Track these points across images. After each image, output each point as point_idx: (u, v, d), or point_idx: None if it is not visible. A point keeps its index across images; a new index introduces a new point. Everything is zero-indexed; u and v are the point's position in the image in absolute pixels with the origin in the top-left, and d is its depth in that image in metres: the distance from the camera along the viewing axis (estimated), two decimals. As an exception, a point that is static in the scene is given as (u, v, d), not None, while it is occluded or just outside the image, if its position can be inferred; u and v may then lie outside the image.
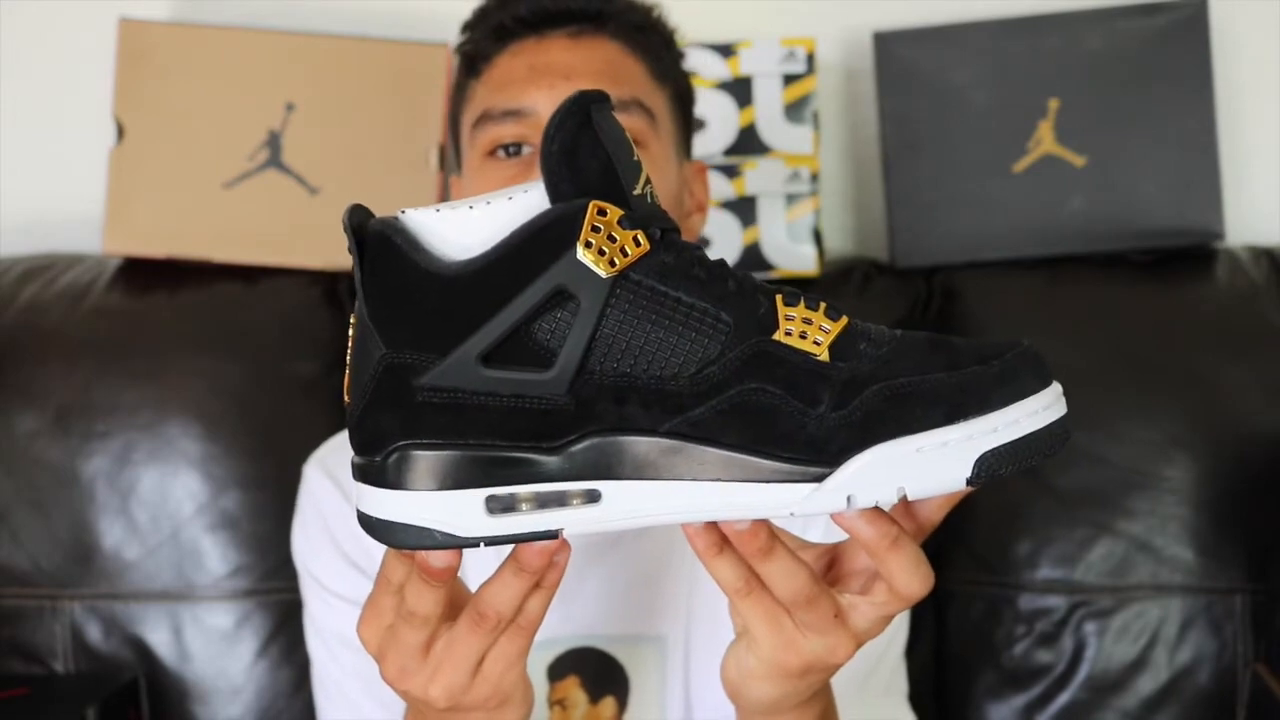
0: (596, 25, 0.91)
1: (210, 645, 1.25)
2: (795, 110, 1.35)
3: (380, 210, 0.61)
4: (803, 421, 0.56)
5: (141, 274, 1.34)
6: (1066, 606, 1.23)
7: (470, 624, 0.61)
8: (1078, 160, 1.34)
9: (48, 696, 1.19)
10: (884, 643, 0.95)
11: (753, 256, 1.34)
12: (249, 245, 1.34)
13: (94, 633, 1.25)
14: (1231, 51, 1.40)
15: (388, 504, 0.57)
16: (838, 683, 0.83)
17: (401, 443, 0.56)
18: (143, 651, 1.25)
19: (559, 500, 0.56)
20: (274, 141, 1.34)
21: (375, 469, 0.57)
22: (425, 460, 0.56)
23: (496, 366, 0.56)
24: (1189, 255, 1.33)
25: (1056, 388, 0.58)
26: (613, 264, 0.55)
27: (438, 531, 0.56)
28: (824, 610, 0.59)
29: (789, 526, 0.60)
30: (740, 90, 1.34)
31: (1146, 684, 1.22)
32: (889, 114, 1.35)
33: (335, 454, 1.00)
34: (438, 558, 0.57)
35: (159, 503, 1.25)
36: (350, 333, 0.59)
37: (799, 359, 0.57)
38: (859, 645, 0.61)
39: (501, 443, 0.56)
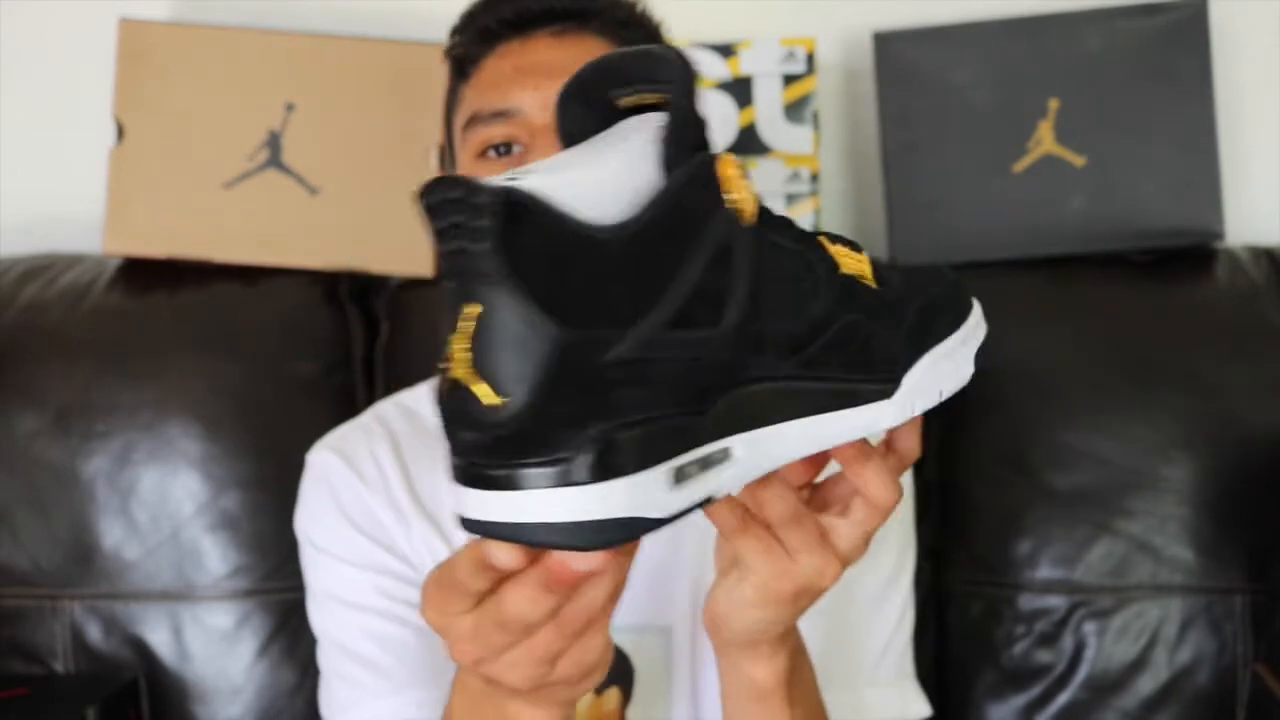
0: (580, 23, 0.91)
1: (210, 645, 1.25)
2: (795, 110, 1.35)
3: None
4: (887, 343, 0.60)
5: (141, 274, 1.34)
6: (1066, 606, 1.23)
7: (501, 632, 0.56)
8: (1078, 160, 1.34)
9: (48, 696, 1.19)
10: (891, 628, 0.97)
11: (753, 256, 1.34)
12: (249, 245, 1.34)
13: (94, 633, 1.25)
14: (1231, 51, 1.40)
15: (588, 503, 0.49)
16: (852, 667, 0.87)
17: (600, 428, 0.49)
18: (143, 651, 1.25)
19: (710, 462, 0.53)
20: (274, 141, 1.34)
21: (565, 467, 0.49)
22: (628, 442, 0.50)
23: (681, 329, 0.52)
24: (1189, 255, 1.33)
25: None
26: (746, 216, 0.55)
27: (641, 518, 0.50)
28: (810, 529, 0.63)
29: None
30: (740, 90, 1.34)
31: (1146, 684, 1.22)
32: (889, 114, 1.35)
33: (340, 438, 1.00)
34: (587, 559, 0.51)
35: (159, 503, 1.25)
36: (469, 322, 0.49)
37: (864, 288, 0.60)
38: (845, 567, 0.65)
39: (677, 410, 0.52)
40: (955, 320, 0.66)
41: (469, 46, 0.93)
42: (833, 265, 0.59)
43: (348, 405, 1.30)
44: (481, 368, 0.48)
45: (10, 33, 1.46)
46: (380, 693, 0.90)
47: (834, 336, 0.58)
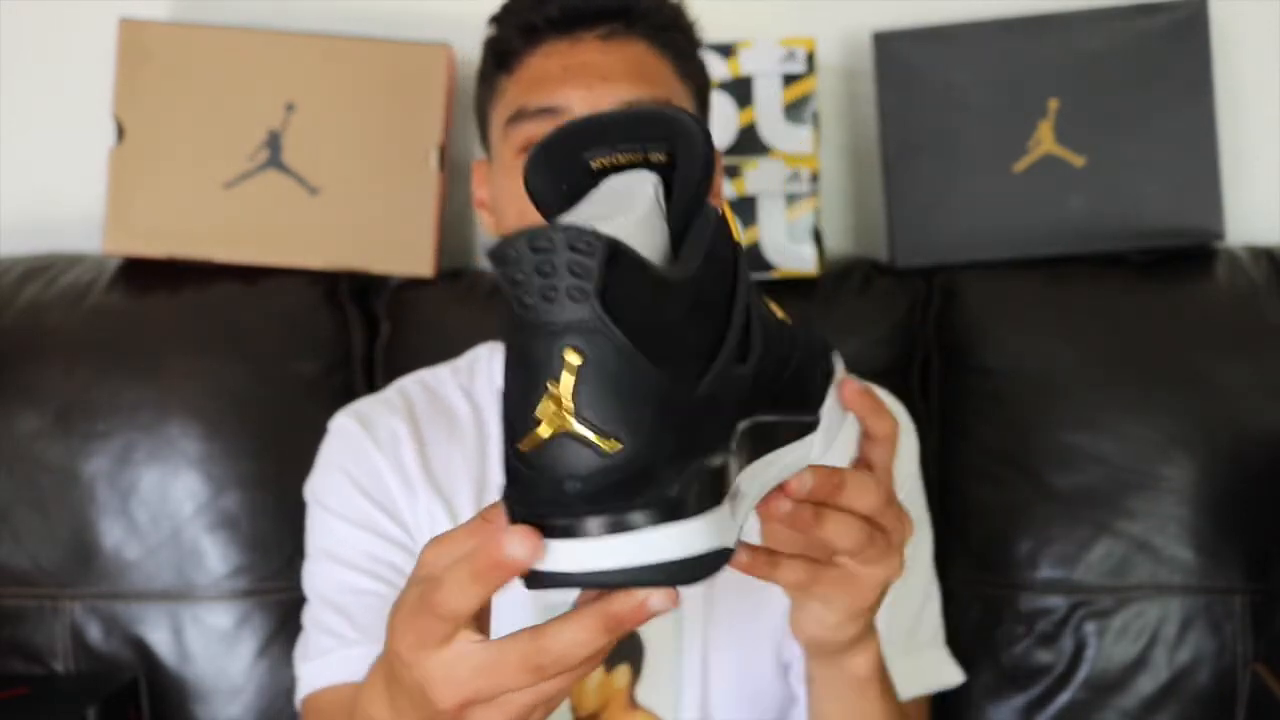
0: (626, 25, 0.93)
1: (210, 645, 1.25)
2: (795, 110, 1.35)
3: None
4: (814, 377, 0.65)
5: (141, 274, 1.34)
6: (1066, 606, 1.23)
7: (529, 673, 0.53)
8: (1078, 160, 1.34)
9: (48, 696, 1.19)
10: (920, 600, 1.01)
11: (753, 257, 1.34)
12: (249, 245, 1.34)
13: (94, 633, 1.25)
14: (1231, 51, 1.40)
15: (695, 537, 0.49)
16: (890, 638, 0.89)
17: (697, 463, 0.50)
18: (143, 651, 1.25)
19: (734, 494, 0.54)
20: (274, 141, 1.34)
21: (672, 503, 0.49)
22: (714, 475, 0.51)
23: (737, 365, 0.54)
24: (1189, 255, 1.33)
25: None
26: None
27: (729, 549, 0.51)
28: (879, 541, 0.63)
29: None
30: (740, 90, 1.34)
31: (1146, 684, 1.22)
32: (889, 114, 1.35)
33: (361, 406, 1.02)
34: (668, 597, 0.50)
35: (159, 503, 1.25)
36: (570, 374, 0.48)
37: (789, 328, 0.63)
38: (902, 553, 0.67)
39: (723, 443, 0.53)
40: (826, 350, 0.69)
41: (512, 39, 0.95)
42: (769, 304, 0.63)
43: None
44: (588, 416, 0.48)
45: (10, 33, 1.46)
46: (351, 643, 0.91)
47: (791, 374, 0.61)
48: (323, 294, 1.33)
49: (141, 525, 1.25)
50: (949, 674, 1.02)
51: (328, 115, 1.34)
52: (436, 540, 0.56)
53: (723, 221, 0.54)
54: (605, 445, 0.48)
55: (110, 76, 1.35)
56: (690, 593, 0.94)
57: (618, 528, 0.48)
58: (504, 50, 0.95)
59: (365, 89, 1.35)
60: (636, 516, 0.48)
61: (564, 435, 0.48)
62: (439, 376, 1.04)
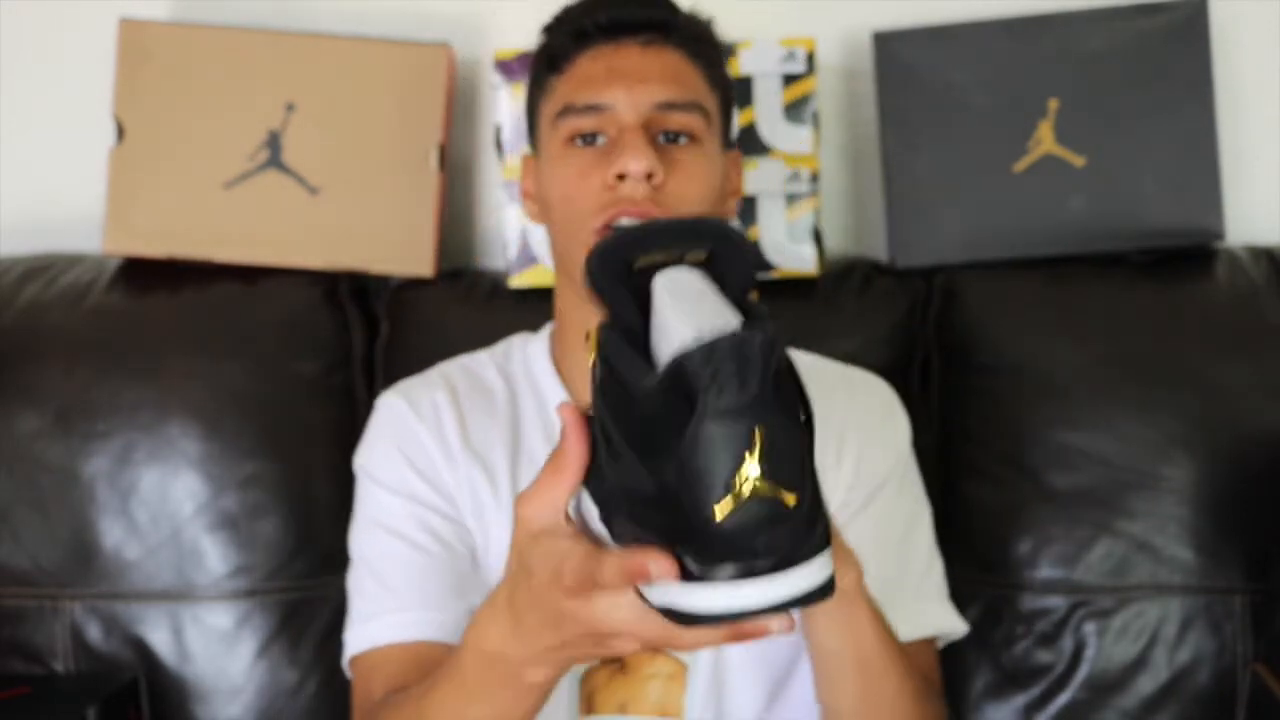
0: (664, 35, 1.03)
1: (210, 645, 1.25)
2: (795, 110, 1.35)
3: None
4: None
5: (141, 274, 1.34)
6: (1066, 606, 1.23)
7: (658, 641, 0.66)
8: (1078, 160, 1.34)
9: (48, 696, 1.19)
10: (926, 558, 1.06)
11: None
12: (249, 245, 1.34)
13: (94, 633, 1.25)
14: (1231, 51, 1.40)
15: (827, 565, 0.62)
16: (902, 583, 1.03)
17: (822, 507, 0.62)
18: (143, 651, 1.25)
19: None
20: (274, 141, 1.34)
21: (822, 539, 0.61)
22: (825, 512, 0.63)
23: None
24: (1189, 255, 1.33)
25: None
26: None
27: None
28: None
29: None
30: (740, 90, 1.34)
31: (1146, 684, 1.22)
32: (889, 114, 1.35)
33: (406, 385, 1.09)
34: (788, 620, 0.62)
35: (159, 503, 1.25)
36: (757, 444, 0.58)
37: None
38: (851, 557, 0.81)
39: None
40: None
41: (564, 43, 1.04)
42: None
43: (348, 405, 1.30)
44: (778, 477, 0.58)
45: (10, 33, 1.46)
46: (395, 609, 0.99)
47: None
48: (323, 294, 1.33)
49: (141, 525, 1.25)
50: (954, 623, 1.06)
51: (328, 115, 1.34)
52: (524, 496, 0.68)
53: (766, 311, 0.65)
54: (792, 500, 0.59)
55: (110, 76, 1.35)
56: None
57: (797, 562, 0.60)
58: (555, 54, 1.04)
59: (365, 89, 1.35)
60: (812, 550, 0.60)
61: (766, 497, 0.58)
62: (477, 359, 1.12)
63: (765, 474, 0.58)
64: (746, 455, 0.57)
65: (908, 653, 0.91)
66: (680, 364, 0.58)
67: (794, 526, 0.59)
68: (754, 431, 0.57)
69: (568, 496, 0.67)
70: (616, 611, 0.65)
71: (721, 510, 0.58)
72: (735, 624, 0.61)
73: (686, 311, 0.61)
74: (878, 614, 0.87)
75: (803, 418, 0.63)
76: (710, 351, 0.57)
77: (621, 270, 0.65)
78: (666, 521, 0.60)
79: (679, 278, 0.64)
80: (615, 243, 0.65)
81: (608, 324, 0.63)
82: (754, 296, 0.66)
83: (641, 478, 0.61)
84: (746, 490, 0.58)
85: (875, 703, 0.90)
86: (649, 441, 0.60)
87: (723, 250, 0.65)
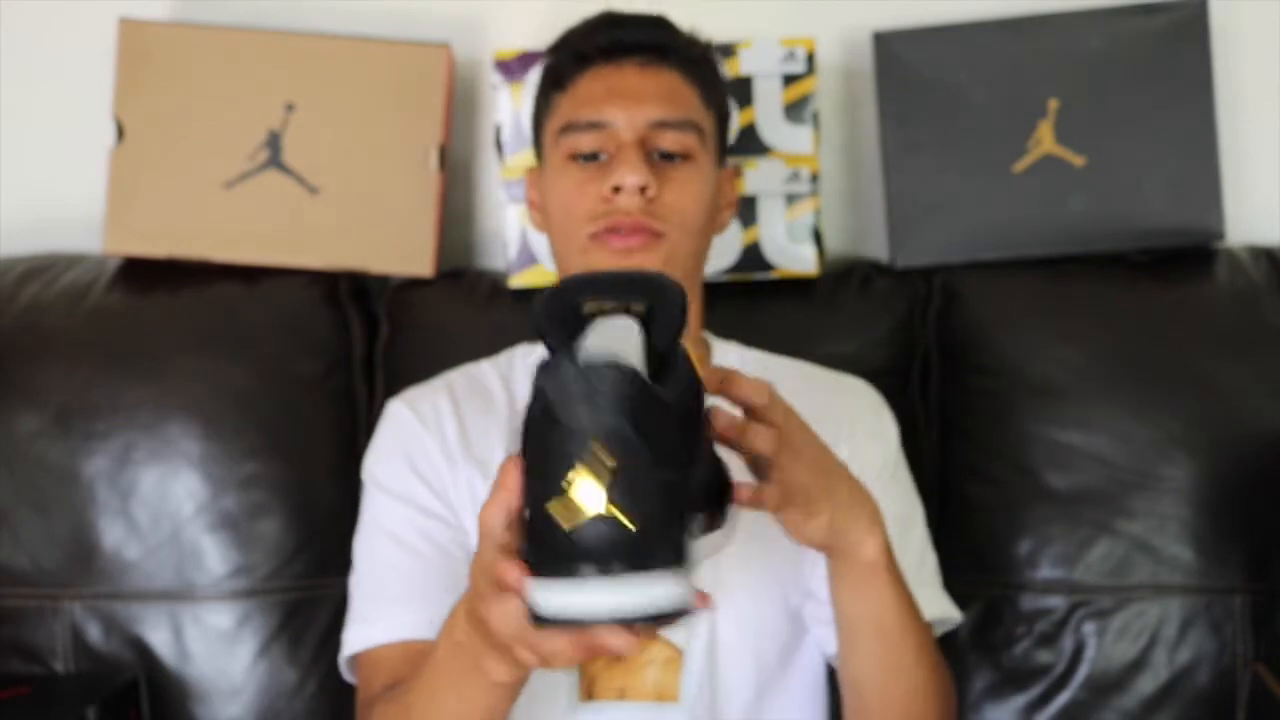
0: (661, 56, 1.08)
1: (210, 645, 1.25)
2: (795, 110, 1.35)
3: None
4: (727, 481, 0.81)
5: (141, 274, 1.34)
6: (1066, 606, 1.23)
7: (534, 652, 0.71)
8: (1078, 160, 1.34)
9: (48, 696, 1.19)
10: (920, 550, 1.07)
11: (753, 257, 1.34)
12: (249, 245, 1.34)
13: (94, 633, 1.25)
14: (1231, 51, 1.40)
15: (672, 587, 0.66)
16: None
17: (676, 536, 0.68)
18: (143, 651, 1.25)
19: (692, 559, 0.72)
20: (274, 141, 1.34)
21: (664, 561, 0.66)
22: (685, 544, 0.69)
23: (698, 465, 0.74)
24: (1189, 255, 1.33)
25: None
26: None
27: (690, 596, 0.68)
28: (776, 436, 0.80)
29: None
30: (740, 90, 1.34)
31: (1146, 684, 1.22)
32: (889, 114, 1.35)
33: (411, 392, 1.13)
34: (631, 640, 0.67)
35: (159, 503, 1.25)
36: (614, 472, 0.64)
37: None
38: (876, 525, 0.87)
39: (691, 524, 0.72)
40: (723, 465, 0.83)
41: (567, 64, 1.09)
42: None
43: (348, 405, 1.30)
44: (616, 498, 0.64)
45: (10, 33, 1.46)
46: (397, 607, 1.02)
47: (719, 480, 0.78)
48: (323, 294, 1.33)
49: (141, 525, 1.25)
50: (950, 610, 1.08)
51: (328, 115, 1.34)
52: (484, 507, 0.72)
53: (688, 358, 0.71)
54: (626, 521, 0.63)
55: (110, 76, 1.35)
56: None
57: (622, 577, 0.64)
58: (559, 73, 1.10)
59: (365, 89, 1.35)
60: (639, 571, 0.64)
61: (607, 517, 0.63)
62: (480, 367, 1.14)
63: (607, 494, 0.63)
64: (579, 464, 0.63)
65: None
66: (539, 385, 0.65)
67: (632, 545, 0.63)
68: (590, 447, 0.63)
69: (507, 509, 0.70)
70: (507, 619, 0.69)
71: (555, 511, 0.64)
72: (578, 632, 0.66)
73: (602, 349, 0.67)
74: (900, 583, 0.91)
75: (686, 458, 0.68)
76: (577, 366, 0.65)
77: (569, 313, 0.71)
78: (531, 530, 0.67)
79: (614, 322, 0.71)
80: (562, 287, 0.73)
81: (542, 363, 0.68)
82: (684, 340, 0.72)
83: (528, 497, 0.68)
84: (584, 502, 0.63)
85: (893, 671, 0.94)
86: (531, 458, 0.67)
87: (659, 303, 0.72)
